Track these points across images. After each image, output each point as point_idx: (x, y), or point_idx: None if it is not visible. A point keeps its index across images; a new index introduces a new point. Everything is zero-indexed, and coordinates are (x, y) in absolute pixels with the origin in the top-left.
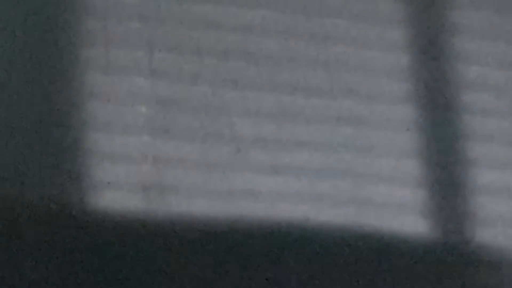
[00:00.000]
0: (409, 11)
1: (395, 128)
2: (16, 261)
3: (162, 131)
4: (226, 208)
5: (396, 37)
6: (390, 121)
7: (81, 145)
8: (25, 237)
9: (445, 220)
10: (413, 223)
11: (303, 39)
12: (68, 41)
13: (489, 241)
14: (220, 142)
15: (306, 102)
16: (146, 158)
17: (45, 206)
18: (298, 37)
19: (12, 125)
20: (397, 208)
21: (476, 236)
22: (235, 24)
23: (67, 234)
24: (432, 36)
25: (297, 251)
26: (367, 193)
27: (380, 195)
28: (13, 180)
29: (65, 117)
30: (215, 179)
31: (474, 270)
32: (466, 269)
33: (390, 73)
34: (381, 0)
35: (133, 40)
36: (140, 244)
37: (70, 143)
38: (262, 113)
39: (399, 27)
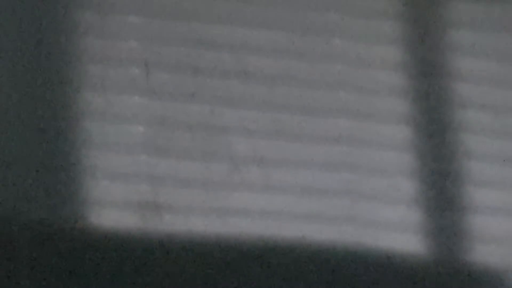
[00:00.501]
0: (408, 30)
1: (392, 147)
2: (11, 279)
3: (159, 150)
4: (222, 226)
5: (395, 56)
6: (387, 140)
7: (78, 163)
8: (20, 255)
9: (441, 238)
10: (409, 241)
11: (300, 58)
12: (65, 59)
13: (484, 260)
14: (217, 160)
15: (303, 121)
16: (143, 176)
17: (41, 225)
18: (295, 56)
19: (7, 143)
20: (392, 226)
21: (471, 255)
22: (232, 43)
23: (64, 252)
24: (430, 55)
25: (293, 269)
26: (363, 211)
27: (376, 213)
28: (9, 199)
29: (62, 136)
30: (211, 197)
31: None
32: (462, 287)
33: (388, 92)
34: (379, 19)
35: (130, 59)
36: (136, 261)
37: (67, 162)
38: (259, 132)
39: (398, 46)
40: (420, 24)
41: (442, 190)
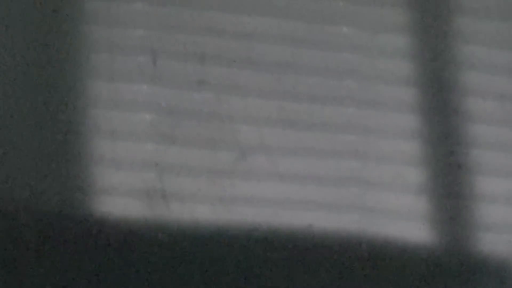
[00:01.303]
0: (414, 18)
1: (399, 136)
2: (18, 267)
3: (166, 138)
4: (229, 215)
5: (401, 45)
6: (394, 129)
7: (86, 151)
8: (28, 242)
9: (447, 227)
10: (416, 231)
11: (307, 46)
12: (72, 48)
13: (491, 249)
14: (224, 149)
15: (310, 109)
16: (150, 164)
17: (48, 212)
18: (302, 44)
19: (15, 131)
20: (399, 215)
21: (478, 244)
22: (239, 31)
23: (71, 239)
24: (439, 43)
25: (300, 258)
26: (370, 200)
27: (383, 202)
28: (18, 186)
29: (70, 124)
30: (218, 185)
31: (476, 278)
32: (468, 276)
33: (395, 81)
34: (386, 7)
35: (137, 47)
36: (143, 250)
37: (75, 150)
38: (266, 120)
39: (405, 34)
40: (428, 12)
41: (449, 178)
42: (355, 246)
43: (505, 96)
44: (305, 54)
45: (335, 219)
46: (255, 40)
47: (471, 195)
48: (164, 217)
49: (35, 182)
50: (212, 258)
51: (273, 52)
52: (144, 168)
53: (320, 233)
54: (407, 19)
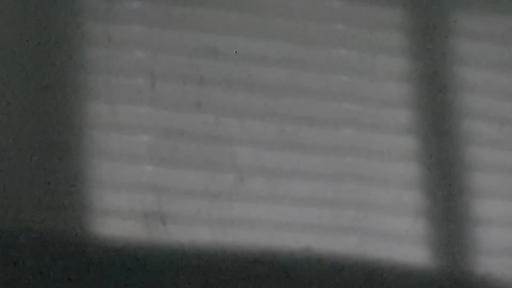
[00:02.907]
0: (413, 41)
1: (397, 158)
2: (16, 286)
3: (164, 160)
4: (227, 237)
5: (401, 68)
6: (393, 152)
7: (83, 173)
8: (25, 265)
9: (446, 250)
10: (414, 254)
11: (306, 69)
12: (70, 69)
13: (490, 272)
14: (222, 171)
15: (308, 131)
16: (148, 187)
17: (45, 234)
18: (301, 67)
19: (13, 153)
20: (398, 238)
21: (477, 267)
22: (238, 53)
23: (68, 262)
24: (436, 67)
25: (298, 281)
26: (368, 223)
27: (381, 225)
28: (14, 208)
29: (67, 146)
30: (216, 208)
31: None
32: None
33: (393, 104)
34: (386, 30)
35: (135, 69)
36: (141, 272)
37: (72, 172)
38: (264, 143)
39: (404, 57)
40: (425, 35)
41: (448, 202)
42: (353, 268)
43: (503, 119)
44: (304, 76)
45: (333, 242)
46: (254, 62)
47: (470, 218)
48: (162, 239)
49: (31, 204)
50: (210, 280)
51: (271, 74)
52: (143, 190)
53: (318, 255)
54: (406, 42)
